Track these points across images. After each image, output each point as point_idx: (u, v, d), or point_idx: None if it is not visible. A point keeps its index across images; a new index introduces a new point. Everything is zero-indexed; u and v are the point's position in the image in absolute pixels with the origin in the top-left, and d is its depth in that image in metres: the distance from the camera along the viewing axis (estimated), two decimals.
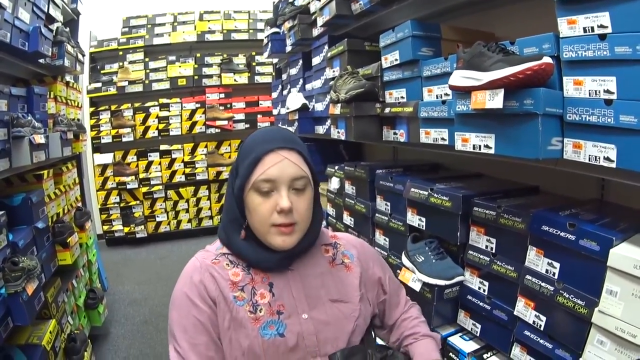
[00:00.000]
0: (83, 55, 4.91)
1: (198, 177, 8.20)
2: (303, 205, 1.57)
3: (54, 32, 3.86)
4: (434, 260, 2.45)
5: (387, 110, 2.73)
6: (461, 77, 1.87)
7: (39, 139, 3.03)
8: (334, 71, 3.44)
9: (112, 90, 7.76)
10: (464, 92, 1.90)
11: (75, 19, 5.16)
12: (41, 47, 3.31)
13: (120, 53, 7.99)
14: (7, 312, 2.53)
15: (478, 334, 2.32)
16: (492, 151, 1.84)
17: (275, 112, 5.49)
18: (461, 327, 2.45)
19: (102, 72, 7.95)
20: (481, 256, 2.23)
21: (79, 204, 4.79)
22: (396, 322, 1.87)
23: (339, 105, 2.99)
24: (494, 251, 2.19)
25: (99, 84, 7.75)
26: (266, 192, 1.54)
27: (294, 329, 1.55)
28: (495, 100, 1.68)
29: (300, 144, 1.64)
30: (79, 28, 5.40)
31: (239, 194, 1.60)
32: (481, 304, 2.25)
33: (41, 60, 3.70)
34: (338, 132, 3.20)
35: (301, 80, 4.45)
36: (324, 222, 3.72)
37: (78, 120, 4.83)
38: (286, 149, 1.57)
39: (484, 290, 2.26)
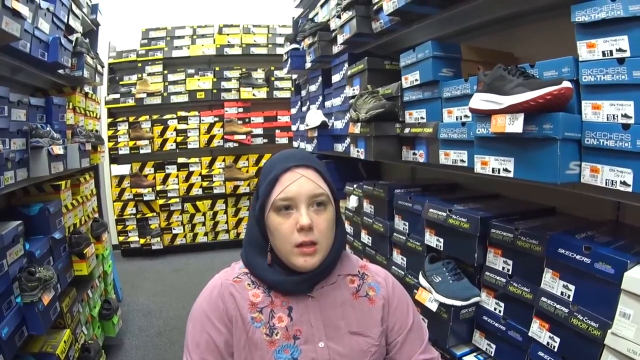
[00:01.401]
0: (102, 67, 4.96)
1: (215, 191, 8.19)
2: (324, 223, 1.56)
3: (74, 42, 3.91)
4: (451, 281, 2.46)
5: (406, 130, 2.74)
6: (481, 100, 1.89)
7: (58, 149, 3.07)
8: (353, 89, 3.45)
9: (131, 102, 7.80)
10: (484, 115, 1.91)
11: (94, 30, 5.22)
12: (60, 57, 3.36)
13: (139, 65, 8.03)
14: (22, 321, 2.56)
15: (493, 354, 2.32)
16: (511, 175, 1.85)
17: (294, 128, 5.50)
18: (476, 347, 2.45)
19: (120, 83, 7.99)
20: (498, 277, 2.23)
21: (96, 215, 4.82)
22: None
23: (359, 124, 3.00)
24: (510, 273, 2.19)
25: (117, 95, 7.79)
26: (286, 212, 1.54)
27: (309, 356, 1.54)
28: (515, 125, 1.70)
29: (318, 163, 1.64)
30: (98, 39, 5.46)
31: (259, 215, 1.61)
32: (496, 324, 2.25)
33: (60, 71, 3.74)
34: (357, 151, 3.21)
35: (320, 97, 4.46)
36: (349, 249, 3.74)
37: (96, 131, 4.87)
38: (303, 167, 1.58)
39: (500, 311, 2.26)
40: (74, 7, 4.00)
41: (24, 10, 2.55)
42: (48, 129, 3.06)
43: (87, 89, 4.83)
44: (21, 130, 2.82)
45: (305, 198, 1.54)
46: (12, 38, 2.55)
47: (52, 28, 3.34)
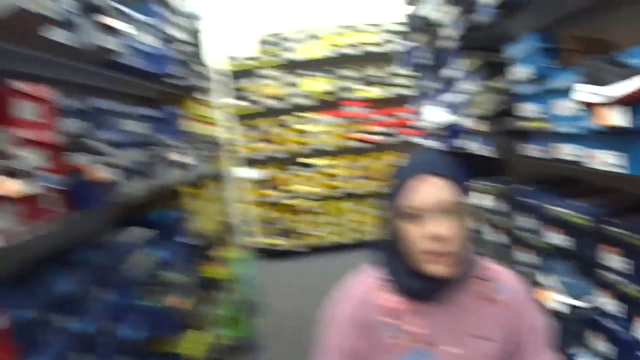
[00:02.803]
0: (211, 73, 5.09)
1: (348, 191, 8.35)
2: (453, 232, 1.51)
3: (182, 52, 4.04)
4: (571, 280, 2.40)
5: (523, 124, 2.70)
6: (586, 93, 1.83)
7: (178, 157, 3.17)
8: (469, 85, 3.41)
9: (252, 106, 8.07)
10: (593, 108, 1.85)
11: (200, 39, 5.31)
12: (169, 68, 3.48)
13: (257, 69, 8.27)
14: (152, 324, 2.65)
15: (609, 356, 2.23)
16: (627, 171, 1.78)
17: (415, 125, 5.48)
18: (594, 349, 2.37)
19: (239, 88, 8.28)
20: (619, 278, 2.15)
21: (224, 219, 4.95)
22: None
23: (477, 120, 2.99)
24: (633, 273, 2.10)
25: (239, 101, 8.07)
26: (416, 219, 1.52)
27: None
28: (625, 117, 1.63)
29: (451, 168, 1.61)
30: (211, 47, 5.58)
31: (390, 219, 1.61)
32: (616, 326, 2.17)
33: (170, 81, 3.85)
34: (478, 147, 3.17)
35: (438, 94, 4.43)
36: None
37: (214, 137, 5.03)
38: (435, 175, 1.54)
39: (620, 313, 2.17)
40: (178, 18, 4.11)
41: (124, 26, 2.65)
42: (166, 137, 3.19)
43: (200, 95, 4.97)
44: (140, 141, 2.93)
45: (434, 208, 1.50)
46: (112, 53, 2.61)
47: (158, 40, 3.43)
